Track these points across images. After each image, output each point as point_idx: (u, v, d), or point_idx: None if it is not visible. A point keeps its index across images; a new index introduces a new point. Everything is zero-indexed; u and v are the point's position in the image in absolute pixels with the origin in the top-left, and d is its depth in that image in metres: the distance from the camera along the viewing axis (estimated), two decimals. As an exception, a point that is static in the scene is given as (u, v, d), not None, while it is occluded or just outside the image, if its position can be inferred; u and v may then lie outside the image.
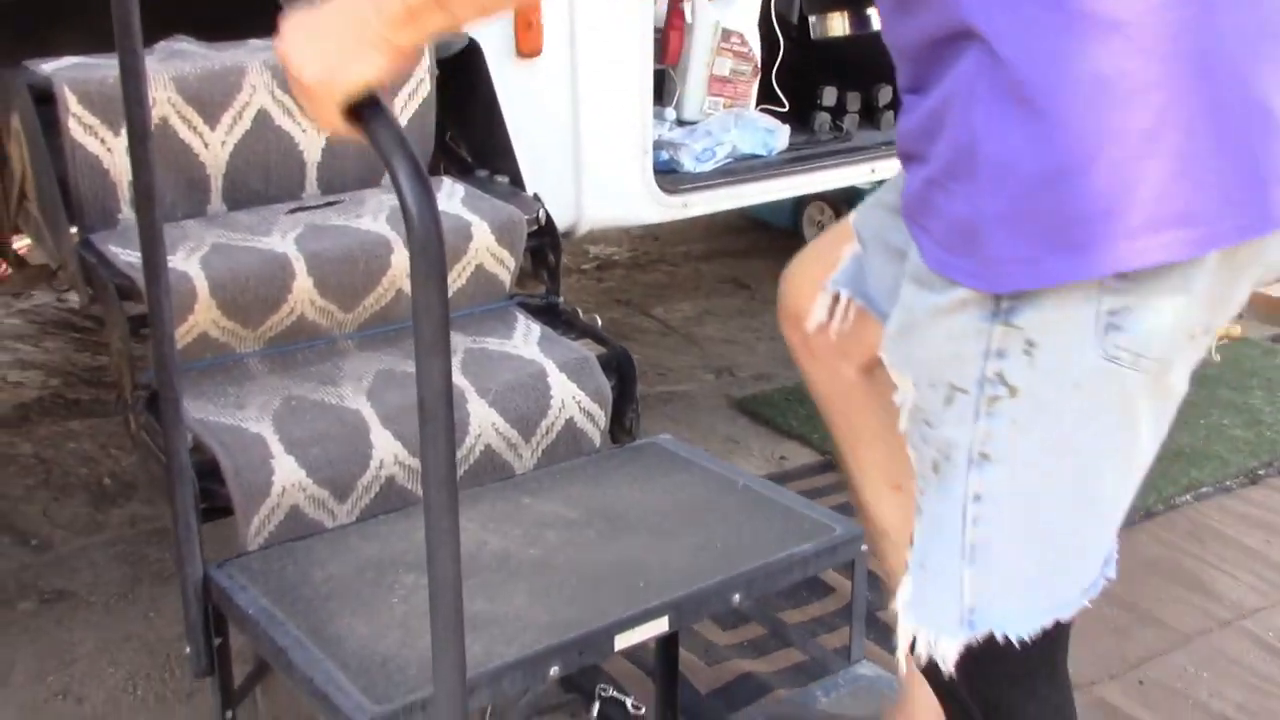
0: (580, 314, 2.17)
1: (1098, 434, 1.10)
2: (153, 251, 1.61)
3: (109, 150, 2.00)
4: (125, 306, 1.89)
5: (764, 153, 2.91)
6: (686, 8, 2.91)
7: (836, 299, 1.50)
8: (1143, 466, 1.17)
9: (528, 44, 2.43)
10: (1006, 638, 1.15)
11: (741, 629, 2.32)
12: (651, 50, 2.60)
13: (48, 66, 2.04)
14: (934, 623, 1.17)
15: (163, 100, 2.02)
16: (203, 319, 1.88)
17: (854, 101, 3.21)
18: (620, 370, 2.06)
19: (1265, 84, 1.05)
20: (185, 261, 1.89)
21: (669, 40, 2.93)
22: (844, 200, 4.23)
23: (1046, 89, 1.03)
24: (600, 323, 2.18)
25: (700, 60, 2.94)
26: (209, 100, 2.08)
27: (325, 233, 2.03)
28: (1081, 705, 1.27)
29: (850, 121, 3.21)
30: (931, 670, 1.20)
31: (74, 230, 2.03)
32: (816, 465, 2.89)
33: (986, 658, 1.16)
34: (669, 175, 2.76)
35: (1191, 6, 1.03)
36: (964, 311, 1.10)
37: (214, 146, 2.10)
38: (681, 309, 3.94)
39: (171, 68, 2.06)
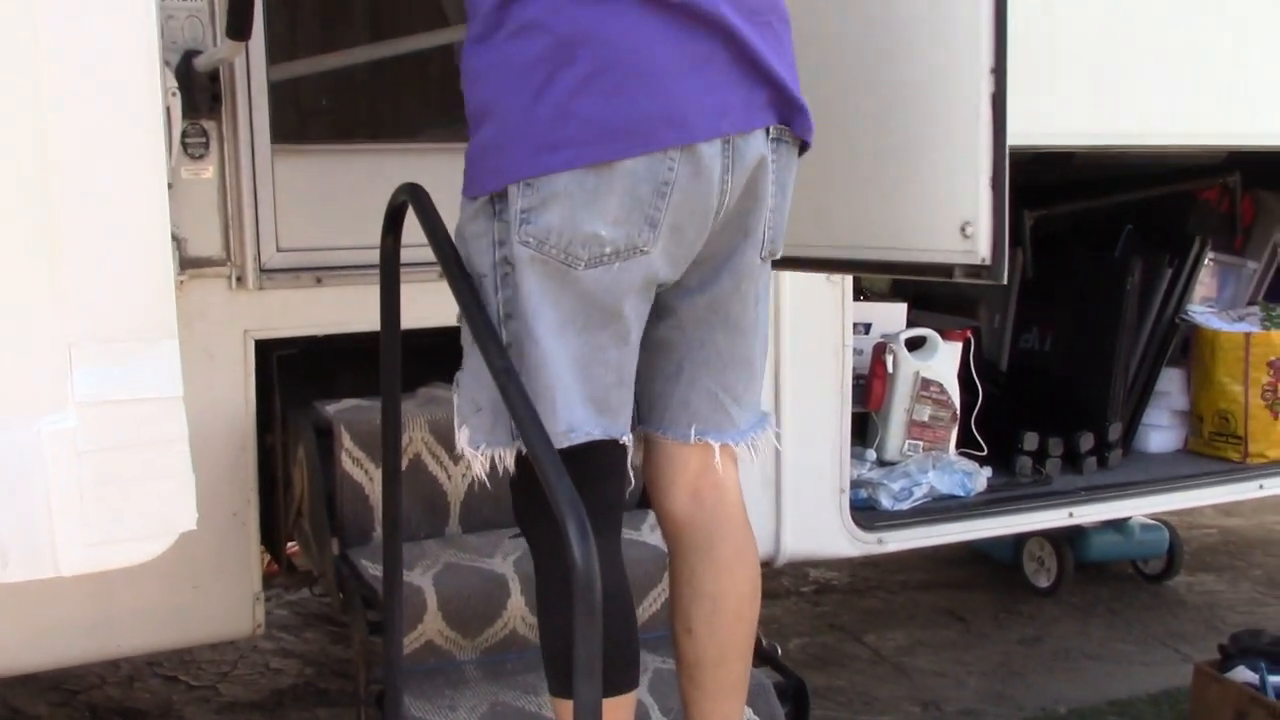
0: (763, 641, 2.34)
1: (526, 297, 1.54)
2: (392, 573, 1.93)
3: (371, 480, 2.38)
4: (370, 614, 2.22)
5: (961, 494, 3.08)
6: (888, 359, 3.17)
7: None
8: (574, 352, 1.57)
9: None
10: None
11: None
12: (850, 397, 2.85)
13: (331, 408, 2.47)
14: (497, 442, 1.60)
15: (418, 439, 2.41)
16: (430, 628, 2.18)
17: (1056, 447, 3.34)
18: (796, 699, 2.20)
19: (641, 53, 1.51)
20: (420, 577, 2.21)
21: (872, 387, 3.19)
22: (1065, 538, 4.25)
23: (485, 70, 1.56)
24: (781, 650, 2.34)
25: (901, 406, 3.18)
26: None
27: (540, 557, 2.32)
28: None
29: (1052, 466, 3.33)
30: (511, 478, 1.63)
31: (335, 543, 2.39)
32: (1013, 809, 2.87)
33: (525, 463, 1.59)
34: (866, 512, 2.95)
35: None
36: (478, 220, 1.59)
37: (455, 479, 2.46)
38: (894, 638, 3.99)
39: (427, 412, 2.45)
